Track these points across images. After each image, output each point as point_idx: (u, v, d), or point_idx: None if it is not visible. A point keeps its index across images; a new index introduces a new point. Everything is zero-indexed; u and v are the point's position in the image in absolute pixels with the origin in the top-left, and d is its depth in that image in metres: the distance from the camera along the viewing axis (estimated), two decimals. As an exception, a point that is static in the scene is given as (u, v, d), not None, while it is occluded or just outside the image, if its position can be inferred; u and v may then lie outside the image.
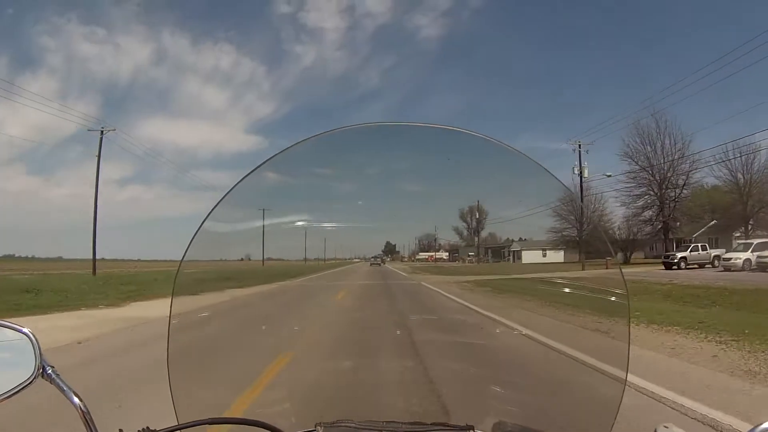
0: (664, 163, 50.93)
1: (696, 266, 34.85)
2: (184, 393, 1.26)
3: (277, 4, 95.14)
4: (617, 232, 56.70)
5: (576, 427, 1.47)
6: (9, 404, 1.03)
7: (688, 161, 49.83)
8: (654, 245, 57.53)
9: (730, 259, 30.70)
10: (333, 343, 5.28)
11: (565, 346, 4.62)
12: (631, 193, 53.81)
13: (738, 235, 46.43)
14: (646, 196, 53.44)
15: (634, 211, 54.57)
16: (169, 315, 1.34)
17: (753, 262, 28.37)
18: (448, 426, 0.98)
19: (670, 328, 9.14)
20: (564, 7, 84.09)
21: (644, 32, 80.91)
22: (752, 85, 76.20)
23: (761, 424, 0.85)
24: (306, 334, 4.58)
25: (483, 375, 2.49)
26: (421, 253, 53.69)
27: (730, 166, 47.58)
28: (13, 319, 1.15)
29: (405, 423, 1.01)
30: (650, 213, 53.49)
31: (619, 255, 47.78)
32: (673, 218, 52.13)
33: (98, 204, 36.98)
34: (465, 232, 63.68)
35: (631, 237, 56.12)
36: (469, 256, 57.31)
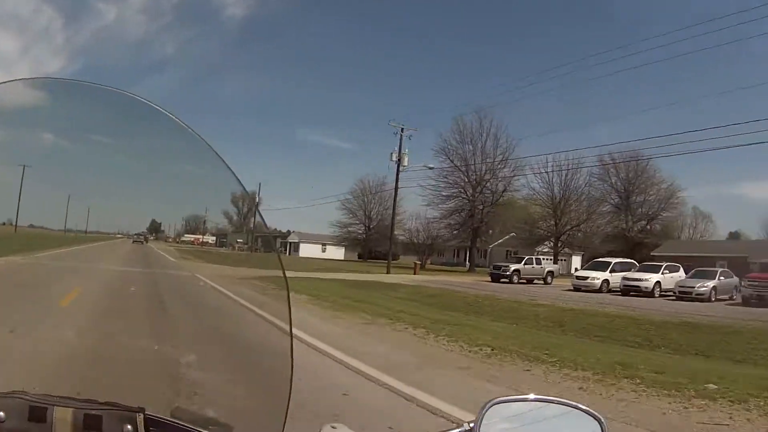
0: (482, 163, 47.71)
1: (524, 281, 30.81)
2: None
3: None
4: (416, 234, 55.56)
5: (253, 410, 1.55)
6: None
7: (510, 166, 47.53)
8: (456, 252, 56.67)
9: (586, 278, 26.90)
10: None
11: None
12: (441, 194, 49.75)
13: (545, 250, 47.01)
14: (456, 199, 49.66)
15: (441, 212, 51.12)
16: None
17: (611, 284, 26.04)
18: (119, 406, 1.00)
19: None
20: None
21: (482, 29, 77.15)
22: (587, 99, 74.05)
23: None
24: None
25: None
26: (187, 235, 51.31)
27: (547, 179, 47.08)
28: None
29: (80, 399, 1.02)
30: (459, 217, 49.80)
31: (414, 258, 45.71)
32: (485, 225, 49.97)
33: None
34: (235, 218, 63.26)
35: (429, 241, 54.43)
36: (237, 242, 54.46)
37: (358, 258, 59.31)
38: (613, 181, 50.12)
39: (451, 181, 49.29)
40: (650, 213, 50.10)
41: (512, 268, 31.09)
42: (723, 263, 29.01)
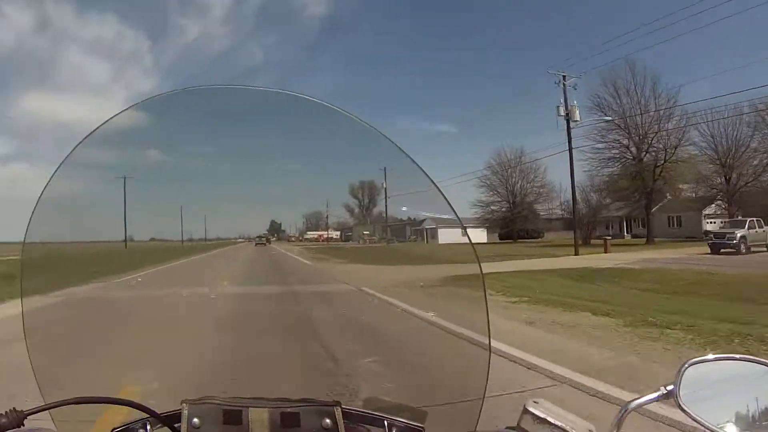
0: (645, 114, 39.86)
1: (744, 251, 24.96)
2: (49, 373, 1.24)
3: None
4: (568, 207, 47.92)
5: (451, 397, 1.52)
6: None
7: (674, 118, 39.54)
8: (611, 224, 48.56)
9: None
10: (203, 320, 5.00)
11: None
12: (600, 157, 43.02)
13: (709, 213, 41.45)
14: (620, 161, 42.92)
15: (604, 178, 44.47)
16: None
17: None
18: (314, 402, 1.00)
19: None
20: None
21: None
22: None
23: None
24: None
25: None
26: (309, 233, 49.08)
27: (710, 130, 39.74)
28: None
29: (271, 399, 1.02)
30: (626, 182, 42.49)
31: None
32: (659, 189, 42.24)
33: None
34: (356, 210, 59.74)
35: (591, 213, 45.63)
36: (364, 234, 50.96)
37: (500, 239, 54.07)
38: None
39: (611, 142, 42.49)
40: None
41: (738, 235, 25.64)
42: None
